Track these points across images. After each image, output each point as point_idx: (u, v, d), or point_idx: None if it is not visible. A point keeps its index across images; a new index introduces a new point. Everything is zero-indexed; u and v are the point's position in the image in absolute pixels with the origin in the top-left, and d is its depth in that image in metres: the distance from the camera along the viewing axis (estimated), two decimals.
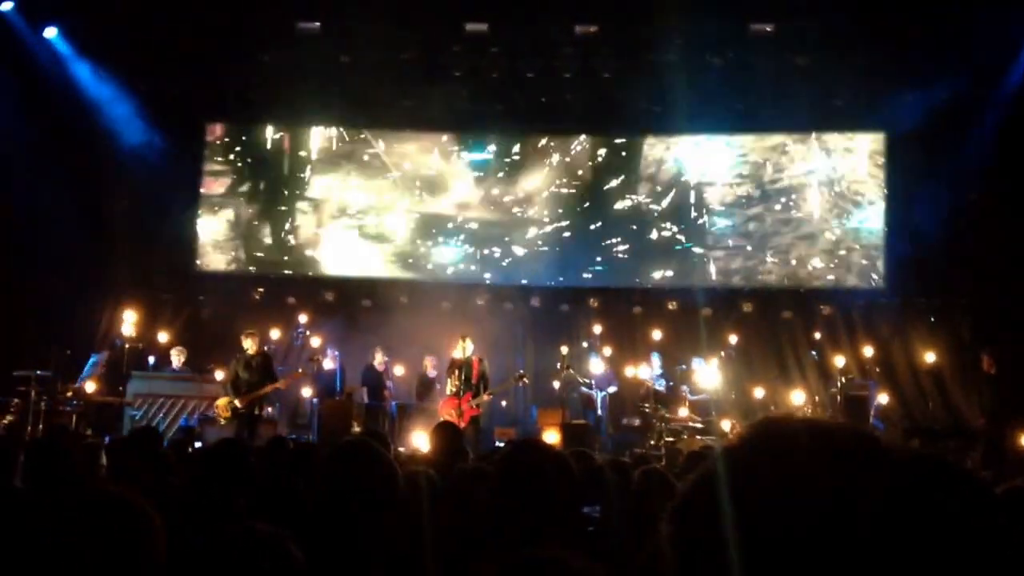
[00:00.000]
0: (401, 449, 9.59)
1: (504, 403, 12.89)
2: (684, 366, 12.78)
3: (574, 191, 14.84)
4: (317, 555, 2.16)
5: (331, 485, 2.37)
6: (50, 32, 13.38)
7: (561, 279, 14.73)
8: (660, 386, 12.63)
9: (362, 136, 15.08)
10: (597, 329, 13.73)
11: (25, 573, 1.53)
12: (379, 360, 12.80)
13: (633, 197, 14.73)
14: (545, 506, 1.97)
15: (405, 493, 2.88)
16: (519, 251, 14.81)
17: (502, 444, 9.92)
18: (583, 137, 14.90)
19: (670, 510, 1.02)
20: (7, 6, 12.94)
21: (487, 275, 14.83)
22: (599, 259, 14.68)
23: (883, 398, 12.29)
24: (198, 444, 8.61)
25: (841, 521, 0.91)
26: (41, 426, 10.38)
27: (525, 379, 12.36)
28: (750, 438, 1.02)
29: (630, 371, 12.93)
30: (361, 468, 2.37)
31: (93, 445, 6.05)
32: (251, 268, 15.02)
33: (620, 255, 14.65)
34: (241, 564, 1.73)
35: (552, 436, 11.48)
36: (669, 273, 14.57)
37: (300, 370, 11.64)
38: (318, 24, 13.65)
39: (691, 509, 1.01)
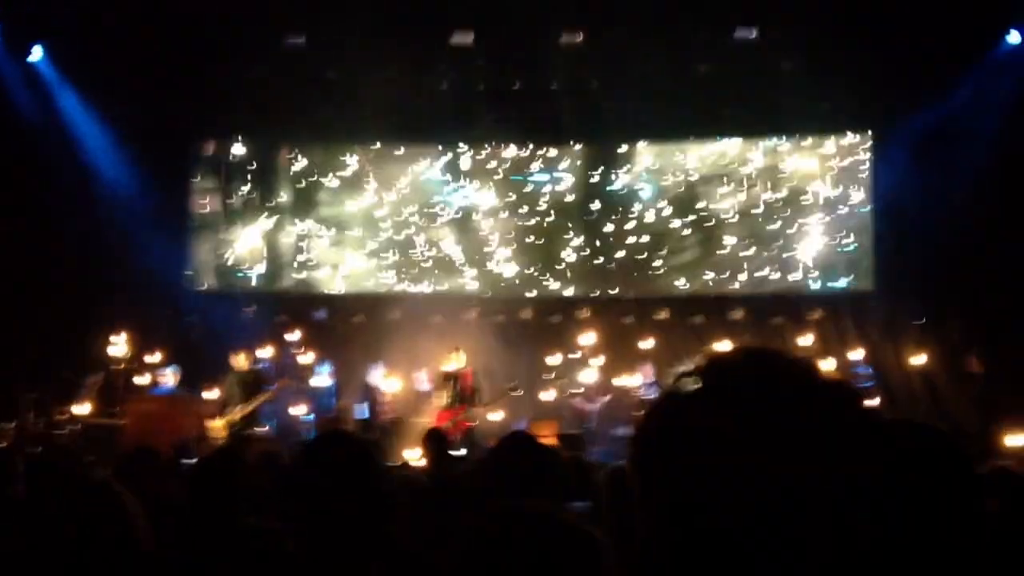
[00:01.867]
0: (397, 462, 9.59)
1: (497, 415, 12.87)
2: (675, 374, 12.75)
3: (564, 201, 14.89)
4: (314, 555, 2.19)
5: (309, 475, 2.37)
6: (34, 53, 13.40)
7: (552, 289, 14.78)
8: (652, 395, 12.64)
9: (349, 150, 15.11)
10: (589, 339, 13.73)
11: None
12: (374, 375, 12.82)
13: (623, 205, 14.79)
14: (532, 495, 2.00)
15: (397, 493, 2.90)
16: (509, 263, 14.85)
17: None
18: (572, 146, 14.97)
19: (639, 426, 1.06)
20: None
21: (479, 287, 14.86)
22: (590, 268, 14.73)
23: (874, 401, 12.30)
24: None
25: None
26: (40, 448, 10.30)
27: (519, 390, 12.38)
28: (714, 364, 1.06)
29: (622, 381, 12.92)
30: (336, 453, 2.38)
31: (93, 464, 6.04)
32: (241, 285, 15.03)
33: (609, 264, 14.70)
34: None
35: None
36: (658, 281, 14.63)
37: (287, 379, 11.62)
38: (304, 39, 13.72)
39: (658, 424, 1.04)
